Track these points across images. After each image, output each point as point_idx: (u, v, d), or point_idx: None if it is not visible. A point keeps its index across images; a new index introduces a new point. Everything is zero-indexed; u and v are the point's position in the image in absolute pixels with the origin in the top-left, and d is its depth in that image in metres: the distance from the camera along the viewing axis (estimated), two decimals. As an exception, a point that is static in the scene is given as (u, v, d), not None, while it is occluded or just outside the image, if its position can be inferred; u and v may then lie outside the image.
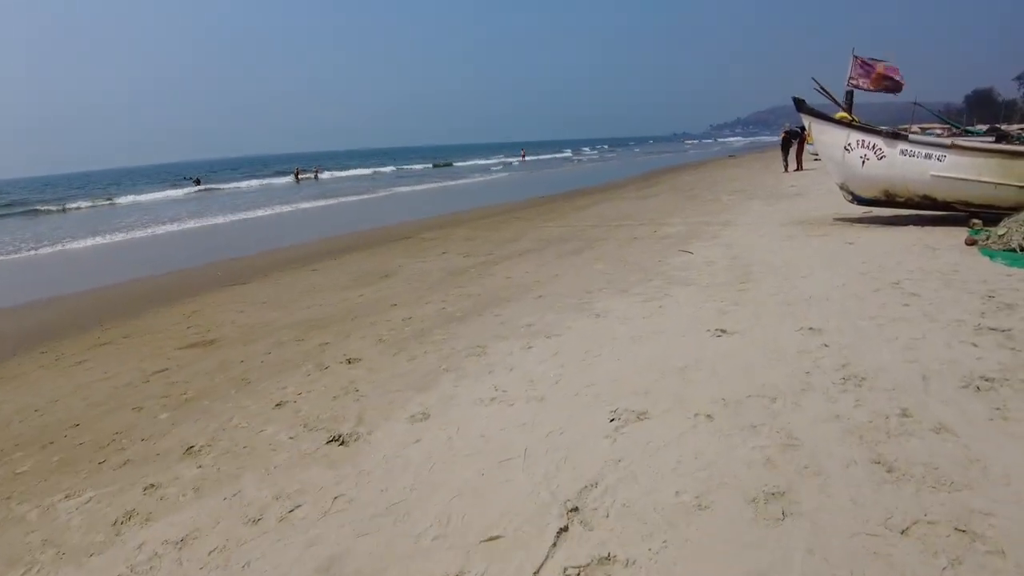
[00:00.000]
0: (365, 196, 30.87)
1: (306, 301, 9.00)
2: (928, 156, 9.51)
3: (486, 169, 50.54)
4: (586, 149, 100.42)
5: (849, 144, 10.24)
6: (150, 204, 36.00)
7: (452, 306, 7.83)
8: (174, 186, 47.47)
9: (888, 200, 10.28)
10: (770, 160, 31.88)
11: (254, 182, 45.24)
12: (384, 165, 68.03)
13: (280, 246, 15.80)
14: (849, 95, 10.84)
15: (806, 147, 31.76)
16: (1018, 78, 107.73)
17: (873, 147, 9.99)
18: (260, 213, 25.11)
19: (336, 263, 12.50)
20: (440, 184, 38.85)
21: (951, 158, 9.35)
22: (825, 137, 10.59)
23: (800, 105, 10.80)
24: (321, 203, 28.16)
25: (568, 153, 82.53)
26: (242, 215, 24.36)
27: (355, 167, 67.80)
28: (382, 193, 32.58)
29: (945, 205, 9.85)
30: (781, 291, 6.67)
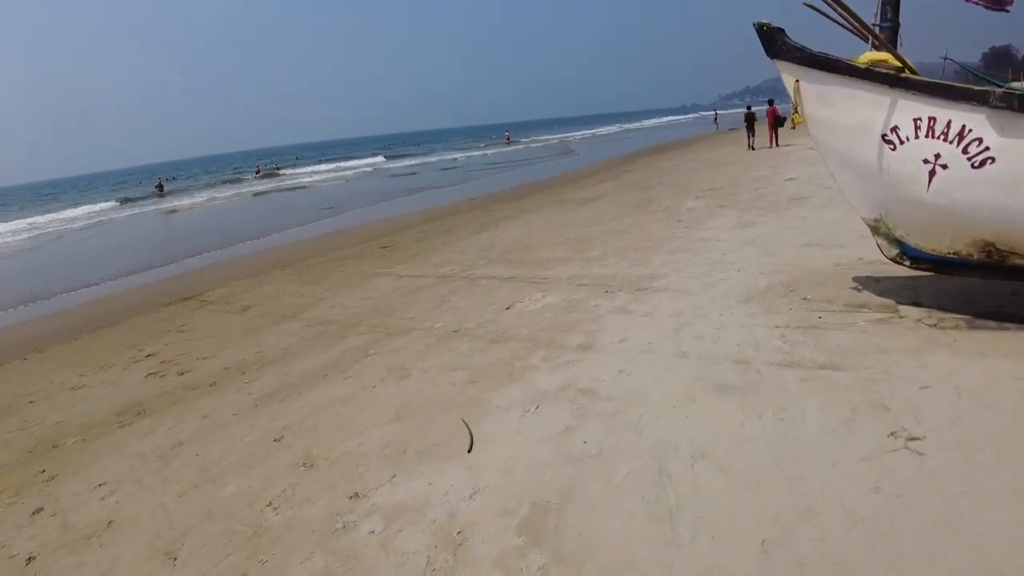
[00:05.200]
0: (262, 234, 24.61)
1: None
2: None
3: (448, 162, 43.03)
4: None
5: (896, 128, 3.73)
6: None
7: None
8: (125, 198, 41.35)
9: (994, 263, 3.77)
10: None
11: (203, 194, 38.42)
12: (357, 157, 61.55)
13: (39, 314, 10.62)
14: (892, 9, 4.28)
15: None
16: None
17: (961, 137, 3.45)
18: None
19: None
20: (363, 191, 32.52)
21: None
22: (834, 113, 4.13)
23: (771, 40, 4.24)
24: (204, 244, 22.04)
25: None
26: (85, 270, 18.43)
27: (333, 160, 61.58)
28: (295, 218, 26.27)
29: None
30: None
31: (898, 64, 3.91)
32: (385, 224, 15.37)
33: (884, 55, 4.00)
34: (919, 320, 4.40)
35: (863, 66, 3.96)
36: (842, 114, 4.16)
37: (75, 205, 38.69)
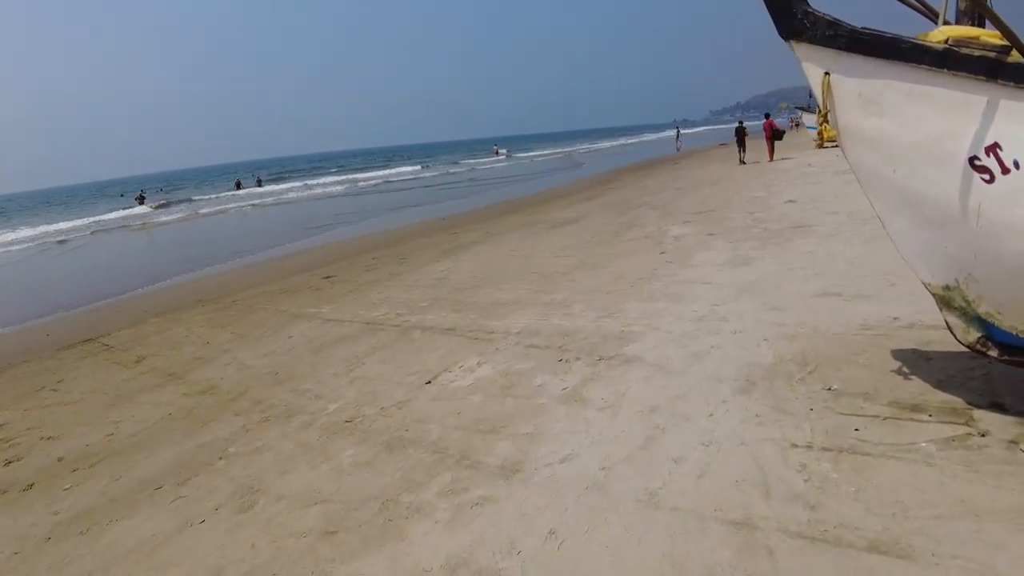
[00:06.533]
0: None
1: None
2: None
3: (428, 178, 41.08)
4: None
5: (995, 148, 2.08)
6: None
7: None
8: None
9: None
10: (761, 148, 23.46)
11: (180, 209, 35.95)
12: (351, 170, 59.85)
13: None
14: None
15: (810, 131, 23.70)
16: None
17: None
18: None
19: None
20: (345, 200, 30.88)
21: None
22: (888, 123, 2.50)
23: (785, 12, 2.56)
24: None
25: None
26: None
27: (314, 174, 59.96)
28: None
29: None
30: None
31: (999, 42, 2.29)
32: (340, 248, 13.77)
33: (971, 30, 2.38)
34: (1012, 442, 2.78)
35: (939, 46, 2.34)
36: (902, 124, 2.54)
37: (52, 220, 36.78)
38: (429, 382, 4.68)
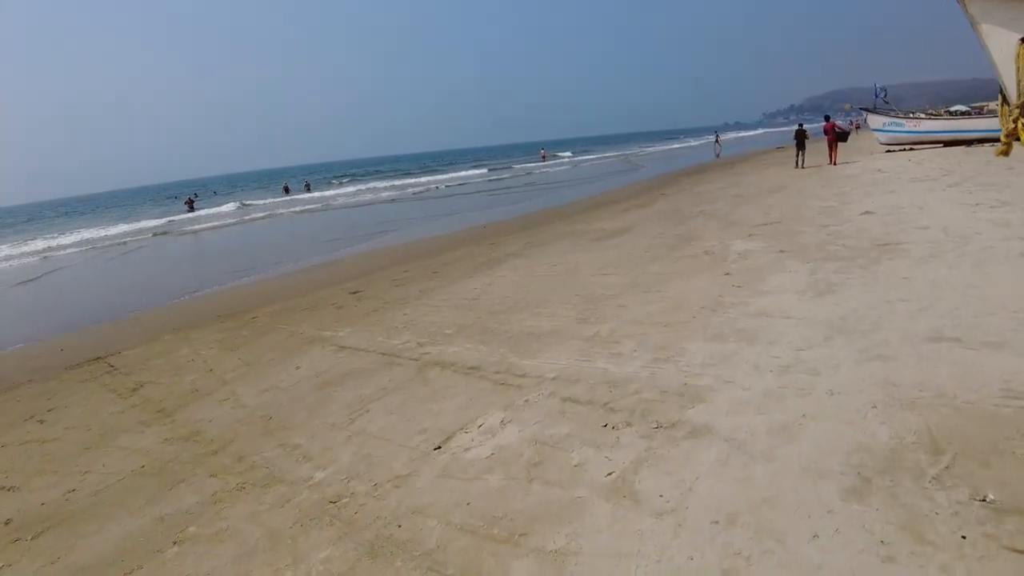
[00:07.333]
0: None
1: None
2: None
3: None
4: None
5: None
6: None
7: None
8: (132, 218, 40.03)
9: None
10: (820, 152, 21.95)
11: (226, 216, 36.01)
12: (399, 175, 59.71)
13: None
14: None
15: (876, 133, 22.01)
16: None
17: None
18: None
19: None
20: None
21: None
22: None
23: None
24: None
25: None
26: None
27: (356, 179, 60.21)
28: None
29: None
30: None
31: None
32: (374, 258, 13.09)
33: None
34: None
35: None
36: None
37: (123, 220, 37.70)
38: (439, 447, 3.76)
